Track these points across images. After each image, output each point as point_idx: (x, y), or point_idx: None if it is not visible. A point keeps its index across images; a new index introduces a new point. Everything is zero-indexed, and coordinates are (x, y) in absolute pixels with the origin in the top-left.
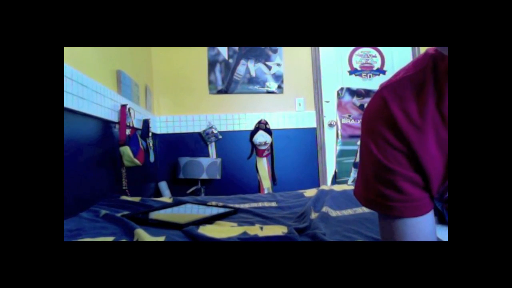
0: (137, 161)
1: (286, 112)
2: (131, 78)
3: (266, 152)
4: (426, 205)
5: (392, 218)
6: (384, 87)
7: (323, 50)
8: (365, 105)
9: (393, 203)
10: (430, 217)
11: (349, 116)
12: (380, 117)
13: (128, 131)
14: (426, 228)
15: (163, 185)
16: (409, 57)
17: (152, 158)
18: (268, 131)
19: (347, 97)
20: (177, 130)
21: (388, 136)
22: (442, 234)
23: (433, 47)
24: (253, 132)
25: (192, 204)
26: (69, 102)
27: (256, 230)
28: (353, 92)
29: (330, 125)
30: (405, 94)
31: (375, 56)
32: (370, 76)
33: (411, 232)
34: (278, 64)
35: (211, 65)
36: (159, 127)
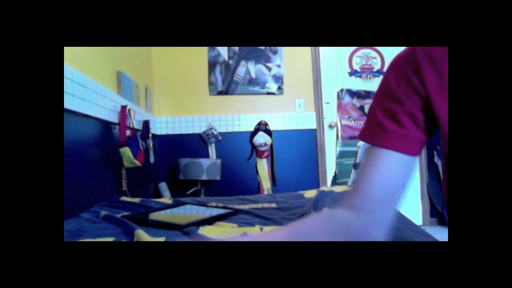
0: (137, 162)
1: (286, 113)
2: (131, 79)
3: (266, 153)
4: (416, 145)
5: (378, 149)
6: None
7: (323, 51)
8: (365, 106)
9: (386, 133)
10: (411, 161)
11: (349, 117)
12: (405, 58)
13: (128, 132)
14: (404, 169)
15: (163, 186)
16: None
17: (152, 159)
18: (268, 132)
19: (347, 99)
20: (177, 131)
21: (409, 74)
22: (442, 234)
23: None
24: (253, 133)
25: (192, 205)
26: (69, 103)
27: (256, 231)
28: (353, 94)
29: (330, 126)
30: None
31: (375, 58)
32: (370, 78)
33: (390, 166)
34: (278, 65)
35: (211, 66)
36: (159, 128)
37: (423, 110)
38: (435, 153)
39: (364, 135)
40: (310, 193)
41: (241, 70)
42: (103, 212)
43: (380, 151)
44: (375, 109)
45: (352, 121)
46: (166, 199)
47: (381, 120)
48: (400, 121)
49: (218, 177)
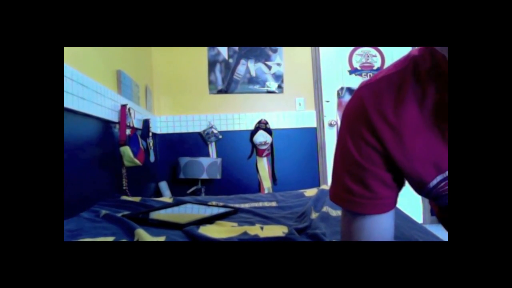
0: (137, 161)
1: (286, 112)
2: (131, 78)
3: (266, 152)
4: (389, 204)
5: (354, 214)
6: (364, 85)
7: (323, 50)
8: None
9: (358, 199)
10: (390, 216)
11: None
12: (357, 115)
13: (128, 131)
14: (384, 226)
15: (163, 185)
16: None
17: (152, 158)
18: (268, 131)
19: (347, 97)
20: (177, 130)
21: (365, 133)
22: (442, 233)
23: (417, 47)
24: (253, 132)
25: (192, 204)
26: (69, 102)
27: (257, 230)
28: (353, 92)
29: (330, 124)
30: (382, 94)
31: (375, 56)
32: (370, 76)
33: (368, 228)
34: (278, 64)
35: (211, 65)
36: (159, 127)
37: (387, 168)
38: None
39: (335, 199)
40: (311, 192)
41: (241, 69)
42: (103, 212)
43: (356, 217)
44: (341, 172)
45: None
46: (167, 198)
47: (349, 184)
48: (369, 186)
49: (218, 176)
